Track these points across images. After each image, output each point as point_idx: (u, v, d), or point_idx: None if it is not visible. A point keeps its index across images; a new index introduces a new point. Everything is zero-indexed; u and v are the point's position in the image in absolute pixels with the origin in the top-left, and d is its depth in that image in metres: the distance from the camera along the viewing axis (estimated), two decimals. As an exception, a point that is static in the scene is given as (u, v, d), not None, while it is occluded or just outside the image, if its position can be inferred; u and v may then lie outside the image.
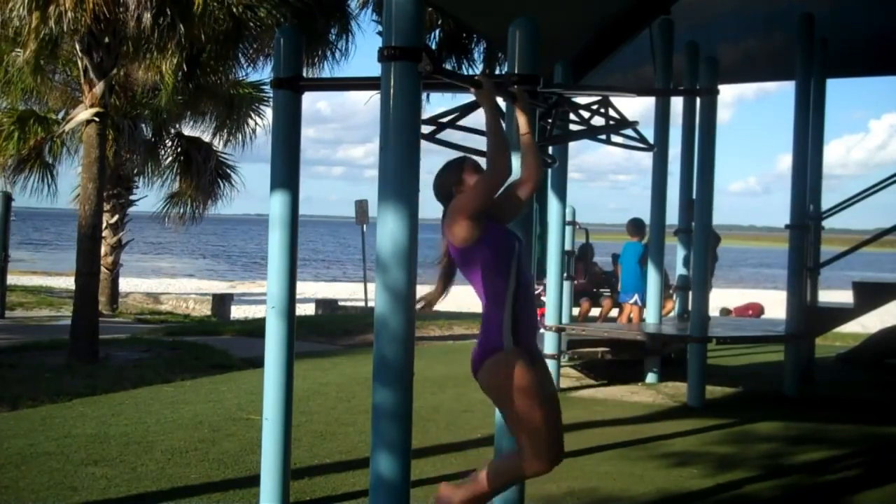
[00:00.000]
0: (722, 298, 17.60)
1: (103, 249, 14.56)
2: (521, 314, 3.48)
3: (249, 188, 17.87)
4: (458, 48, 15.72)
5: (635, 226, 11.48)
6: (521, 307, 3.48)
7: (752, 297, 19.48)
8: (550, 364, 8.38)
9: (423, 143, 3.90)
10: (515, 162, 3.89)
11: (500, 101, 4.25)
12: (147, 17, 9.42)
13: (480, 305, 3.56)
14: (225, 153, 16.82)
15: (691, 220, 9.94)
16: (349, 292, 23.22)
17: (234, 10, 11.24)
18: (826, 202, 10.02)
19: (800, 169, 8.83)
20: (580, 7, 9.49)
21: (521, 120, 3.79)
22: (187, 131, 16.93)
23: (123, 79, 13.98)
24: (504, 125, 4.02)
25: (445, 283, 3.71)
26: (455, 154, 4.12)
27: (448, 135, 5.19)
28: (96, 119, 9.77)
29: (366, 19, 16.04)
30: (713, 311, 14.10)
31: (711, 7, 11.42)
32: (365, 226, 19.07)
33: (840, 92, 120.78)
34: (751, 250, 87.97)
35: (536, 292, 10.61)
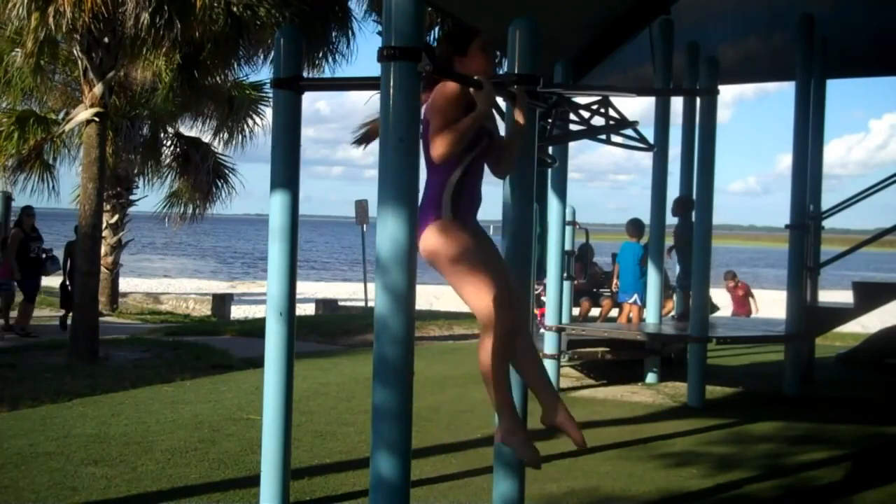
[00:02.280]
0: (721, 299, 17.57)
1: (103, 249, 14.56)
2: (465, 193, 3.65)
3: (249, 188, 17.88)
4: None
5: (634, 226, 11.49)
6: (466, 189, 3.65)
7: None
8: (550, 364, 8.40)
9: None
10: (518, 164, 3.93)
11: (500, 100, 4.26)
12: (145, 16, 9.42)
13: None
14: (224, 155, 16.81)
15: (676, 216, 9.96)
16: (349, 292, 23.24)
17: (234, 9, 11.24)
18: (826, 202, 10.03)
19: (800, 169, 8.83)
20: (580, 7, 9.49)
21: (518, 117, 3.85)
22: (187, 131, 16.94)
23: (123, 79, 13.97)
24: (497, 128, 4.05)
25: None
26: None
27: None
28: (96, 119, 9.77)
29: (366, 20, 16.00)
30: (721, 311, 14.14)
31: (711, 7, 11.42)
32: (365, 226, 19.08)
33: (840, 92, 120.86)
34: (750, 250, 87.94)
35: (536, 292, 10.63)
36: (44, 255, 13.25)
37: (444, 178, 3.64)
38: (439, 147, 3.52)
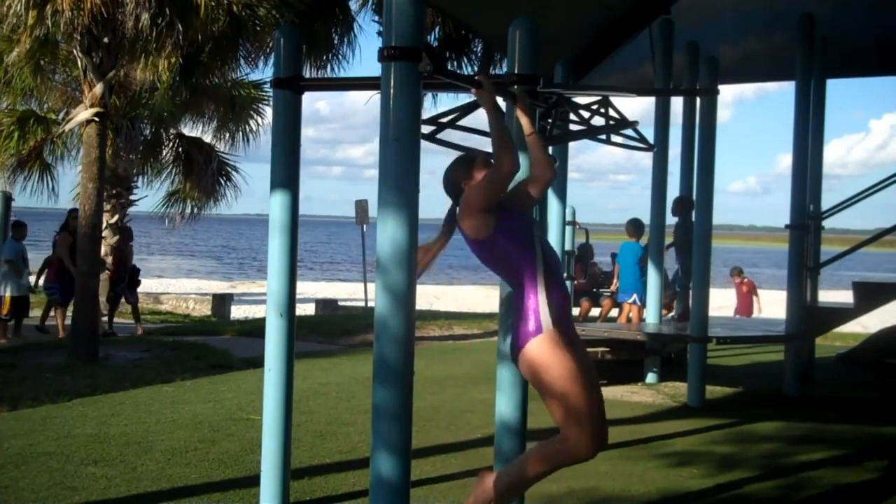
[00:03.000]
0: (722, 299, 17.59)
1: (103, 249, 14.55)
2: (555, 296, 3.45)
3: (249, 188, 17.86)
4: (458, 47, 15.72)
5: (634, 226, 11.50)
6: (553, 289, 3.45)
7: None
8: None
9: (423, 143, 3.90)
10: (523, 161, 3.90)
11: (500, 100, 4.26)
12: (145, 17, 9.42)
13: (515, 295, 3.54)
14: (227, 154, 16.81)
15: (676, 216, 9.96)
16: (349, 292, 23.24)
17: (234, 8, 11.23)
18: (826, 202, 10.03)
19: (800, 169, 8.83)
20: (580, 7, 9.48)
21: (524, 120, 3.83)
22: (187, 131, 16.92)
23: (123, 79, 13.96)
24: (505, 123, 4.02)
25: (438, 247, 3.75)
26: (456, 154, 4.12)
27: (448, 135, 5.19)
28: (96, 119, 9.77)
29: (366, 20, 15.98)
30: (720, 311, 14.15)
31: (711, 7, 11.41)
32: (365, 226, 19.07)
33: (840, 92, 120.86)
34: (750, 250, 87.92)
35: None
36: None
37: (532, 291, 3.44)
38: (499, 168, 3.45)
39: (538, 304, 3.42)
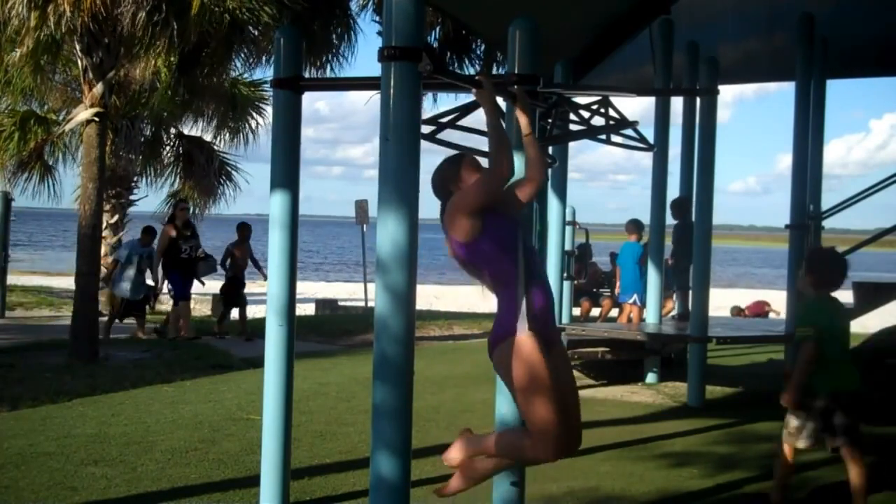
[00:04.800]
0: (722, 299, 17.58)
1: (103, 249, 14.54)
2: (535, 298, 3.42)
3: (249, 188, 17.84)
4: (459, 47, 15.71)
5: (634, 225, 11.50)
6: (534, 292, 3.42)
7: (754, 297, 19.45)
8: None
9: (423, 143, 3.90)
10: (518, 162, 3.89)
11: (500, 100, 4.26)
12: (141, 14, 9.41)
13: (495, 298, 3.50)
14: (228, 154, 16.80)
15: (676, 218, 9.95)
16: (349, 292, 23.20)
17: (233, 8, 11.23)
18: (826, 202, 10.03)
19: (800, 169, 8.84)
20: (580, 7, 9.46)
21: (523, 121, 3.79)
22: (187, 131, 16.91)
23: (123, 79, 13.96)
24: (504, 124, 4.02)
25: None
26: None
27: (448, 134, 5.19)
28: (96, 119, 9.77)
29: (366, 20, 15.97)
30: (720, 310, 14.16)
31: (711, 7, 11.40)
32: (365, 226, 19.06)
33: (840, 92, 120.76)
34: (750, 250, 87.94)
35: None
36: (195, 256, 12.01)
37: (509, 291, 3.41)
38: (494, 171, 3.41)
39: (515, 306, 3.38)
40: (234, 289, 12.64)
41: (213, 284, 14.22)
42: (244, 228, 12.71)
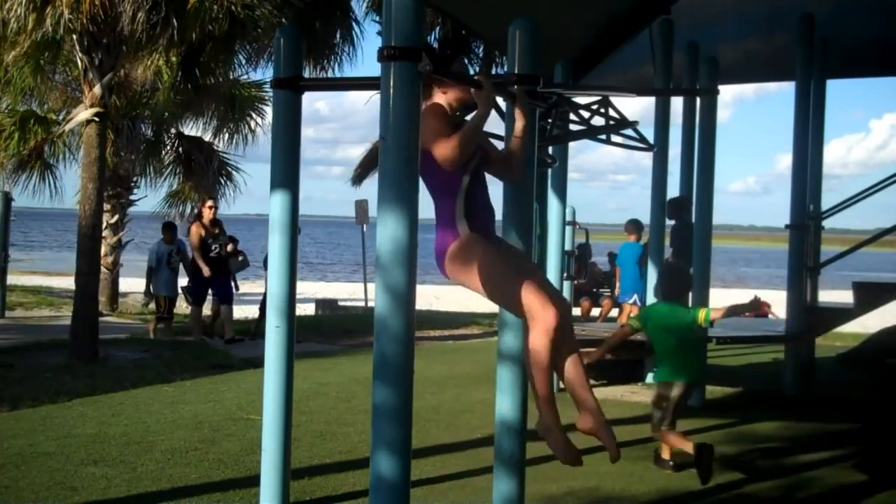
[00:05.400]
0: (721, 299, 17.57)
1: (103, 249, 14.54)
2: (477, 205, 3.60)
3: (249, 188, 17.82)
4: (459, 47, 15.71)
5: (634, 225, 11.50)
6: (476, 201, 3.59)
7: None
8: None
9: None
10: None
11: (500, 100, 4.26)
12: (141, 14, 9.41)
13: (434, 211, 3.67)
14: (227, 154, 16.81)
15: (673, 218, 9.94)
16: (349, 292, 23.19)
17: (234, 9, 11.23)
18: (826, 202, 10.02)
19: (800, 169, 8.83)
20: (580, 7, 9.47)
21: (519, 123, 3.82)
22: (187, 131, 16.92)
23: (123, 79, 13.96)
24: (505, 127, 4.04)
25: None
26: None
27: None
28: (96, 119, 9.77)
29: (367, 20, 15.96)
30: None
31: (711, 7, 11.39)
32: (365, 226, 19.06)
33: (840, 92, 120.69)
34: (750, 250, 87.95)
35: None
36: (225, 254, 11.67)
37: (451, 199, 3.59)
38: (448, 152, 3.43)
39: (454, 211, 3.57)
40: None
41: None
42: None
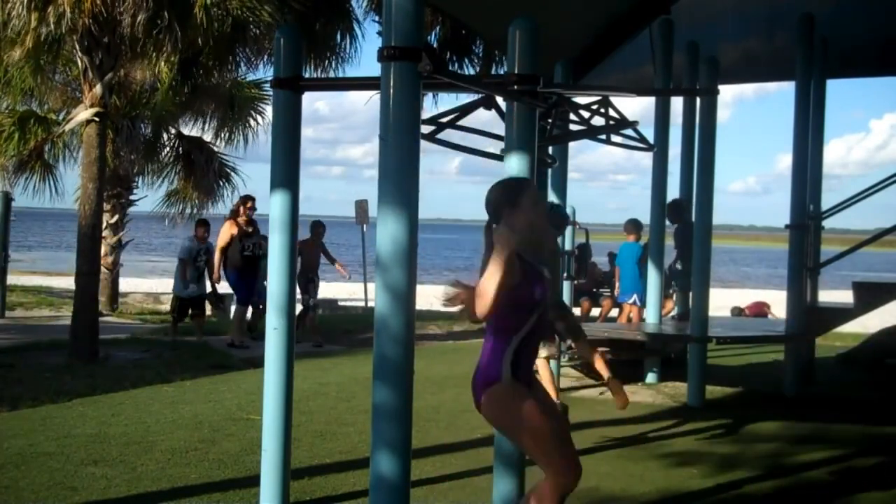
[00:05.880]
0: (721, 299, 17.58)
1: (103, 249, 14.54)
2: (524, 353, 3.44)
3: (249, 188, 17.84)
4: (459, 47, 15.71)
5: (633, 225, 11.48)
6: (525, 348, 3.43)
7: (754, 297, 19.46)
8: (550, 364, 8.38)
9: (423, 143, 3.90)
10: (519, 164, 3.91)
11: (500, 100, 4.26)
12: (141, 17, 9.41)
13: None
14: (226, 154, 16.80)
15: (675, 222, 9.95)
16: (349, 292, 23.19)
17: (236, 12, 11.24)
18: (826, 202, 10.02)
19: (800, 169, 8.83)
20: (580, 7, 9.47)
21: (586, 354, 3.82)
22: (187, 131, 16.91)
23: (123, 79, 13.96)
24: (506, 127, 4.04)
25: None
26: (455, 154, 4.13)
27: (448, 134, 5.19)
28: (96, 119, 9.77)
29: (367, 20, 15.95)
30: (720, 310, 14.14)
31: (711, 7, 11.40)
32: (365, 226, 19.06)
33: (840, 92, 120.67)
34: (750, 250, 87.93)
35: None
36: (258, 254, 11.08)
37: (507, 336, 3.39)
38: (479, 308, 3.21)
39: (504, 353, 3.39)
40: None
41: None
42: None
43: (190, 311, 11.62)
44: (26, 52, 9.73)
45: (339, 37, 15.13)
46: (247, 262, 11.12)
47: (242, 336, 11.20)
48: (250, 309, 11.60)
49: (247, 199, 11.39)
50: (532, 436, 3.39)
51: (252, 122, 16.56)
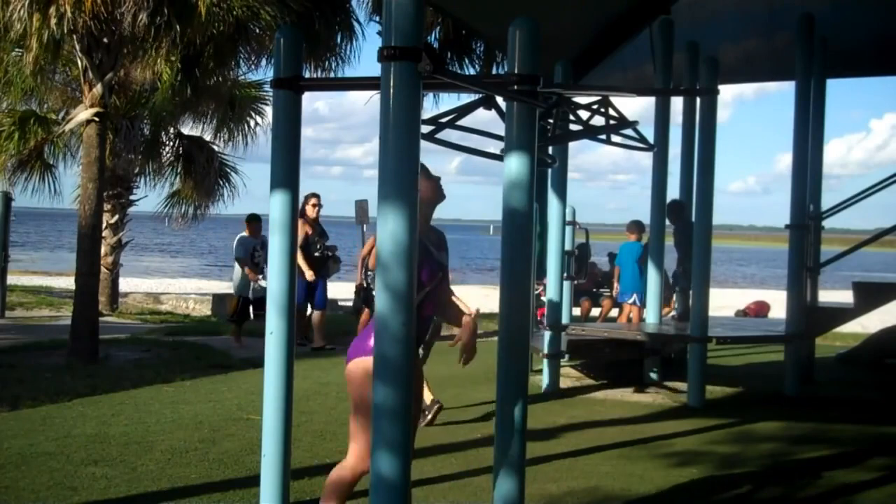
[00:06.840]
0: (721, 299, 17.59)
1: (103, 249, 14.54)
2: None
3: (249, 188, 17.82)
4: (459, 47, 15.72)
5: (635, 224, 11.49)
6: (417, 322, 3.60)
7: (754, 297, 19.47)
8: (550, 364, 8.39)
9: (423, 143, 3.89)
10: (519, 164, 3.92)
11: (500, 100, 4.26)
12: (142, 16, 9.41)
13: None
14: (227, 154, 16.82)
15: (674, 222, 9.95)
16: (349, 292, 23.25)
17: (235, 10, 11.24)
18: (826, 202, 10.03)
19: (800, 169, 8.83)
20: (580, 7, 9.48)
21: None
22: (187, 131, 16.92)
23: (123, 79, 13.96)
24: (506, 128, 4.05)
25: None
26: (455, 154, 4.14)
27: (448, 134, 5.18)
28: (96, 119, 9.77)
29: (367, 21, 15.97)
30: (721, 311, 14.14)
31: (711, 7, 11.41)
32: (365, 226, 19.06)
33: (840, 92, 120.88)
34: (750, 250, 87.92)
35: (536, 292, 10.61)
36: (328, 254, 11.04)
37: None
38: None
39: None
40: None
41: (212, 285, 14.12)
42: None
43: (252, 312, 11.29)
44: (34, 58, 9.70)
45: (339, 37, 15.15)
46: (317, 263, 10.93)
47: (323, 340, 11.03)
48: (309, 309, 11.22)
49: (311, 197, 10.96)
50: (371, 417, 3.54)
51: (252, 122, 16.59)
